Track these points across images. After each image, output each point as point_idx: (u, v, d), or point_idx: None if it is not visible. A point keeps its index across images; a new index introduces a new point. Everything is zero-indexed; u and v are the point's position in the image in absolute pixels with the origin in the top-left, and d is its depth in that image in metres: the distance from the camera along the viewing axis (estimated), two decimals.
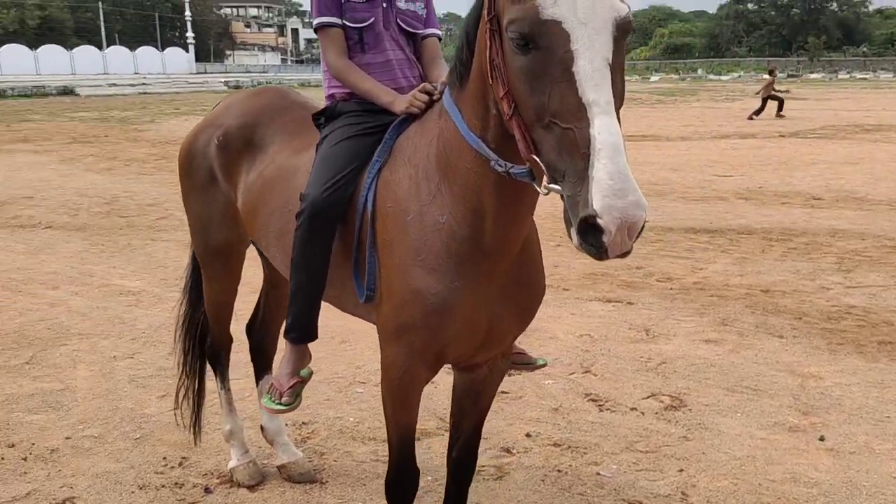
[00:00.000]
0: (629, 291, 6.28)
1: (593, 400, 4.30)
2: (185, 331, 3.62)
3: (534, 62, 1.74)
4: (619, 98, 1.76)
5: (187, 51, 74.89)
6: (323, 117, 2.71)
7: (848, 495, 3.32)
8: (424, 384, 2.44)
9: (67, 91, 39.16)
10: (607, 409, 4.19)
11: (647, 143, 16.78)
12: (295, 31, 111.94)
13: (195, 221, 3.24)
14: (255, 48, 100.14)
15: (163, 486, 3.37)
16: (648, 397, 4.34)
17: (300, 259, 2.48)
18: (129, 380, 4.46)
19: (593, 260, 1.73)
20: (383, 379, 2.42)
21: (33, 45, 61.76)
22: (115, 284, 6.35)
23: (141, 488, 3.35)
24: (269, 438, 3.53)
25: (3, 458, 3.57)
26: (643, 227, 1.69)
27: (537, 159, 1.79)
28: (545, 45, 1.71)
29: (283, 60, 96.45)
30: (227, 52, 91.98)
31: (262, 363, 3.61)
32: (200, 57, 78.76)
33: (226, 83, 48.40)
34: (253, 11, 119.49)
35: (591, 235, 1.65)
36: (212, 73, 70.07)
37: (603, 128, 1.65)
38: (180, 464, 3.57)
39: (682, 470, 3.56)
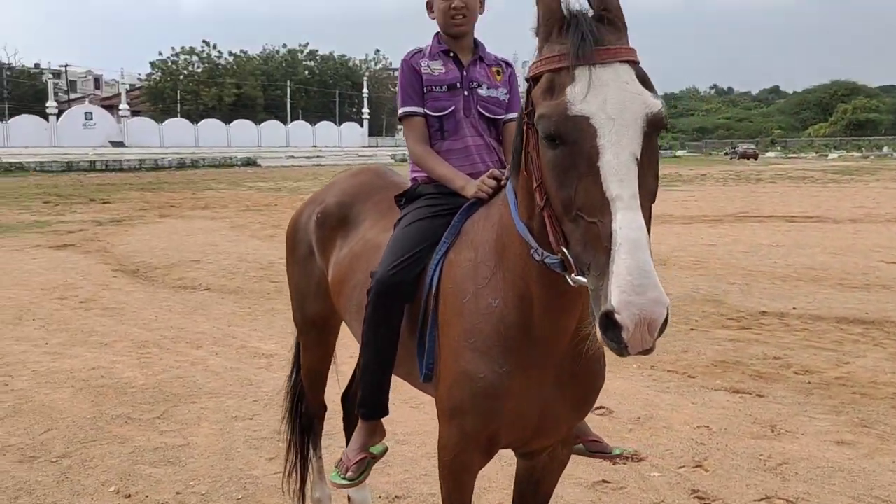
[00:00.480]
0: (761, 383, 5.89)
1: (699, 497, 4.05)
2: (290, 397, 3.80)
3: (562, 156, 1.77)
4: (648, 193, 1.75)
5: (362, 125, 79.57)
6: (403, 198, 2.83)
7: None
8: (478, 468, 2.43)
9: (251, 162, 42.64)
10: None
11: (811, 225, 15.85)
12: None
13: (294, 292, 3.44)
14: None
15: None
16: (761, 500, 4.02)
17: (369, 336, 2.57)
18: (244, 440, 4.70)
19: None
20: (438, 460, 2.44)
21: (227, 120, 67.88)
22: (252, 346, 6.76)
23: None
24: None
25: None
26: (666, 324, 1.64)
27: (566, 251, 1.80)
28: (573, 139, 1.74)
29: None
30: (398, 127, 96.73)
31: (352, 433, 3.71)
32: (373, 131, 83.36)
33: (392, 156, 50.80)
34: None
35: (611, 331, 1.63)
36: (382, 146, 73.90)
37: (625, 223, 1.65)
38: None
39: None
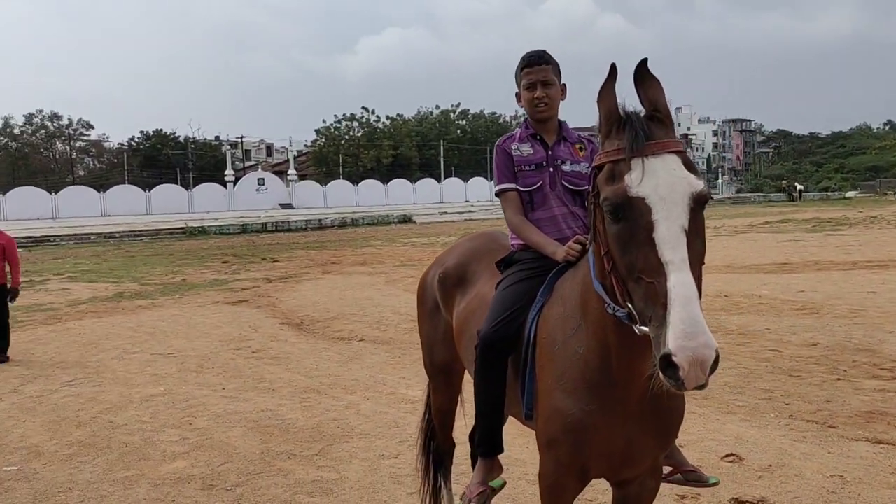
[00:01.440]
0: None
1: None
2: (423, 436, 4.26)
3: (624, 229, 2.16)
4: (697, 256, 2.11)
5: None
6: (503, 263, 3.26)
7: None
8: (574, 494, 2.75)
9: (406, 219, 44.49)
10: None
11: None
12: None
13: (424, 341, 3.92)
14: None
15: None
16: None
17: (479, 384, 3.00)
18: (389, 476, 5.19)
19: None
20: (539, 486, 2.79)
21: (385, 180, 71.26)
22: (400, 393, 7.31)
23: None
24: None
25: None
26: (717, 363, 1.97)
27: (630, 307, 2.16)
28: (632, 216, 2.12)
29: None
30: None
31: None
32: None
33: None
34: None
35: (670, 370, 1.98)
36: None
37: (678, 282, 2.01)
38: None
39: None
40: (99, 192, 55.17)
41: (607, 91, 2.30)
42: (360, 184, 69.21)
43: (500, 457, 3.25)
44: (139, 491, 5.03)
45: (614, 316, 2.32)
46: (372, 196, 67.17)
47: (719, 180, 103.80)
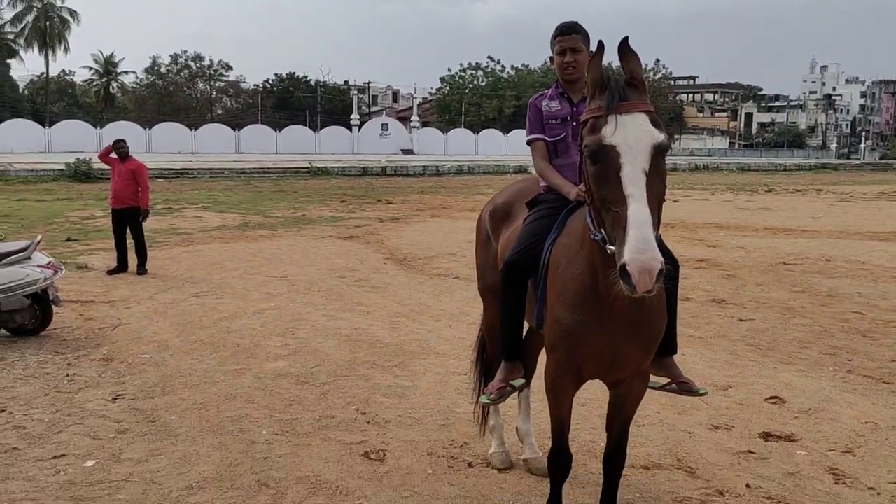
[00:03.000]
0: None
1: (835, 474, 4.46)
2: (477, 349, 4.89)
3: (599, 170, 2.72)
4: (655, 194, 2.63)
5: None
6: (531, 203, 3.80)
7: None
8: (572, 391, 3.33)
9: (521, 169, 44.72)
10: (843, 484, 4.34)
11: None
12: (749, 116, 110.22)
13: (478, 266, 4.52)
14: (704, 132, 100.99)
15: (442, 456, 4.65)
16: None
17: (503, 300, 3.61)
18: (455, 388, 5.88)
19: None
20: (544, 383, 3.38)
21: (506, 130, 71.34)
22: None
23: (429, 454, 4.67)
24: (520, 437, 4.59)
25: (356, 420, 5.21)
26: (661, 274, 2.48)
27: (603, 231, 2.70)
28: (606, 160, 2.67)
29: (731, 144, 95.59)
30: (676, 136, 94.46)
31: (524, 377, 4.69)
32: None
33: None
34: (709, 97, 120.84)
35: (625, 277, 2.52)
36: None
37: (635, 210, 2.55)
38: (461, 445, 4.82)
39: None
40: (234, 130, 58.24)
41: (595, 64, 2.86)
42: (481, 133, 69.59)
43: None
44: (245, 381, 5.95)
45: (594, 240, 2.85)
46: (491, 145, 67.48)
47: (861, 145, 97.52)
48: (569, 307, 3.12)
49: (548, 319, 3.25)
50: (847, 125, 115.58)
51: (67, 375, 6.02)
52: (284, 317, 8.07)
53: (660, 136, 2.67)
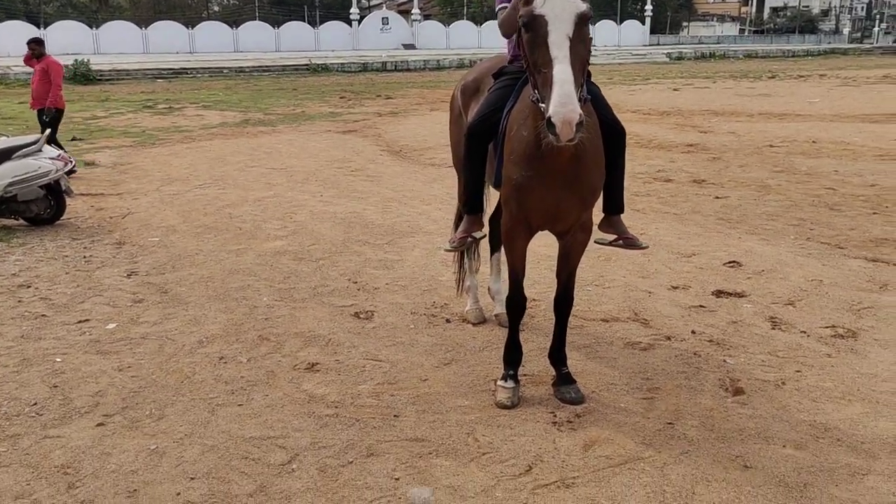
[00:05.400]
0: None
1: (773, 322, 5.00)
2: (456, 217, 5.35)
3: (531, 37, 3.12)
4: (578, 57, 3.03)
5: (643, 23, 77.16)
6: (496, 75, 4.17)
7: None
8: (524, 240, 3.81)
9: None
10: (779, 329, 4.89)
11: None
12: (760, 0, 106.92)
13: (452, 140, 4.94)
14: (714, 18, 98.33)
15: (424, 315, 5.20)
16: (827, 327, 4.89)
17: (465, 162, 4.03)
18: (440, 261, 6.38)
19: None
20: (501, 233, 3.87)
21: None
22: None
23: (412, 313, 5.23)
24: (491, 296, 5.13)
25: (347, 288, 5.76)
26: (580, 124, 2.90)
27: (536, 91, 3.11)
28: (536, 28, 3.05)
29: (742, 31, 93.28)
30: (684, 24, 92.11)
31: (495, 244, 5.18)
32: (657, 29, 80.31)
33: (668, 55, 49.43)
34: None
35: (550, 128, 2.95)
36: (663, 44, 71.38)
37: (559, 70, 2.96)
38: (441, 306, 5.37)
39: (798, 371, 4.25)
40: (232, 27, 57.24)
41: None
42: (483, 25, 68.08)
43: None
44: (247, 258, 6.48)
45: (533, 101, 3.27)
46: (494, 38, 65.89)
47: (876, 28, 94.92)
48: (517, 164, 3.56)
49: (503, 177, 3.69)
50: (863, 8, 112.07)
51: (85, 257, 6.57)
52: (283, 203, 8.55)
53: (582, 6, 3.05)
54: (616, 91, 24.16)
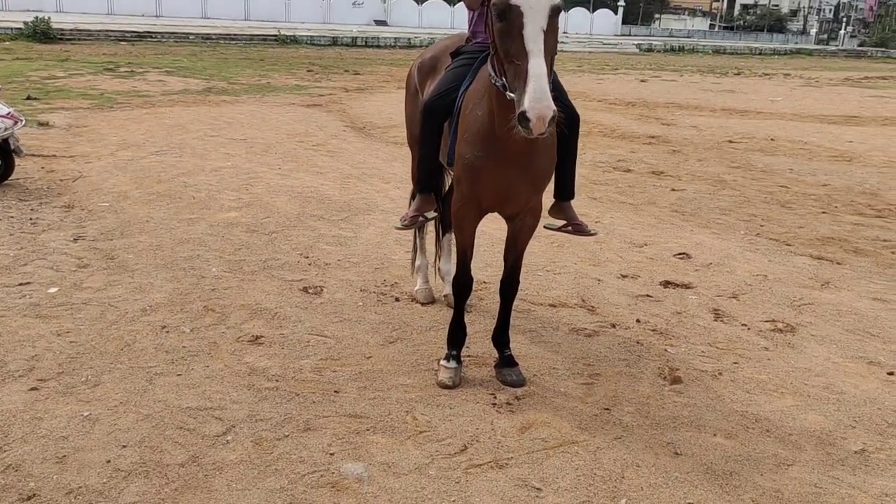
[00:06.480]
0: (851, 256, 6.52)
1: (716, 313, 5.10)
2: (411, 197, 5.34)
3: (503, 27, 3.09)
4: (550, 49, 3.04)
5: (616, 13, 77.39)
6: (454, 54, 4.16)
7: None
8: (474, 221, 3.82)
9: None
10: (721, 321, 4.98)
11: None
12: None
13: (407, 118, 4.91)
14: (685, 12, 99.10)
15: (373, 293, 5.19)
16: (767, 321, 4.99)
17: (421, 139, 4.02)
18: (394, 240, 6.35)
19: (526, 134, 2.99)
20: (451, 213, 3.87)
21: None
22: None
23: (362, 290, 5.22)
24: (441, 276, 5.14)
25: (298, 263, 5.72)
26: (553, 119, 2.91)
27: (504, 80, 3.11)
28: (510, 18, 3.04)
29: (712, 26, 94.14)
30: (656, 16, 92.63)
31: (447, 225, 5.18)
32: (629, 20, 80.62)
33: (638, 46, 49.67)
34: None
35: (523, 122, 2.95)
36: (635, 35, 71.70)
37: (534, 64, 2.96)
38: (392, 285, 5.36)
39: (736, 363, 4.35)
40: None
41: None
42: (456, 5, 67.69)
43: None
44: (199, 228, 6.40)
45: (496, 86, 3.26)
46: (466, 18, 65.84)
47: (842, 31, 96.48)
48: (470, 144, 3.55)
49: (456, 156, 3.69)
50: (831, 10, 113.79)
51: (31, 219, 6.42)
52: (240, 174, 8.45)
53: (556, 0, 3.04)
54: (585, 80, 24.26)
